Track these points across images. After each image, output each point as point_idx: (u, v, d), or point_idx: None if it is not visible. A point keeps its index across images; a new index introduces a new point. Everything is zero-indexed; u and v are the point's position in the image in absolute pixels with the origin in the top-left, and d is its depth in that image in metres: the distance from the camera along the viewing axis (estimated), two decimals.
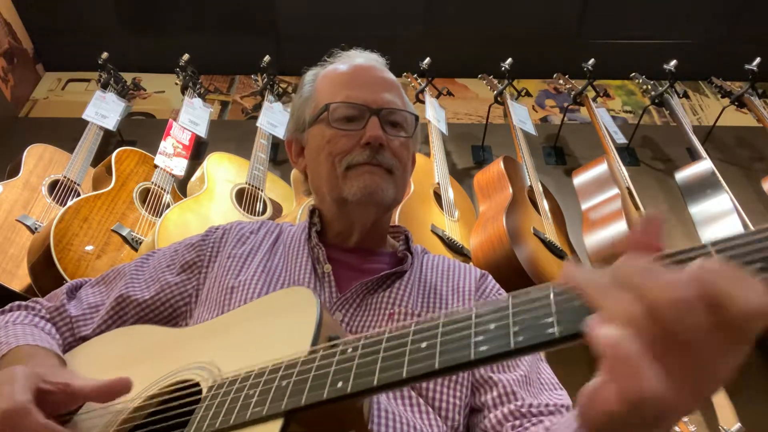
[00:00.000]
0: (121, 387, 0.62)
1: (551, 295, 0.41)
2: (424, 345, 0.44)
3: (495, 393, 0.76)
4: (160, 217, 1.73)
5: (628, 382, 0.35)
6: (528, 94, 2.52)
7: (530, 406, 0.74)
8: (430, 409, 0.74)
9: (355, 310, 0.82)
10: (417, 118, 0.94)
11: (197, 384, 0.60)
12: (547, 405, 0.75)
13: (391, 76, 0.95)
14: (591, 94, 2.41)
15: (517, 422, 0.73)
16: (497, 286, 0.93)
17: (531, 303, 0.42)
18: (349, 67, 0.94)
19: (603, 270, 0.39)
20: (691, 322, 0.35)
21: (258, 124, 2.21)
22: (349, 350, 0.48)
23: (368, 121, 0.87)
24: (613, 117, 2.54)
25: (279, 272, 0.87)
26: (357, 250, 0.92)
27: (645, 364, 0.35)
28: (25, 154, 1.97)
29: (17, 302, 0.89)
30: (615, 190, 1.77)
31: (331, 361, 0.48)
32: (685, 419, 1.38)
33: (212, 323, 0.74)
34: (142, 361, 0.72)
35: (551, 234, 1.76)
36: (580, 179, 1.92)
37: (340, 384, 0.46)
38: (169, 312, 0.88)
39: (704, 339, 0.35)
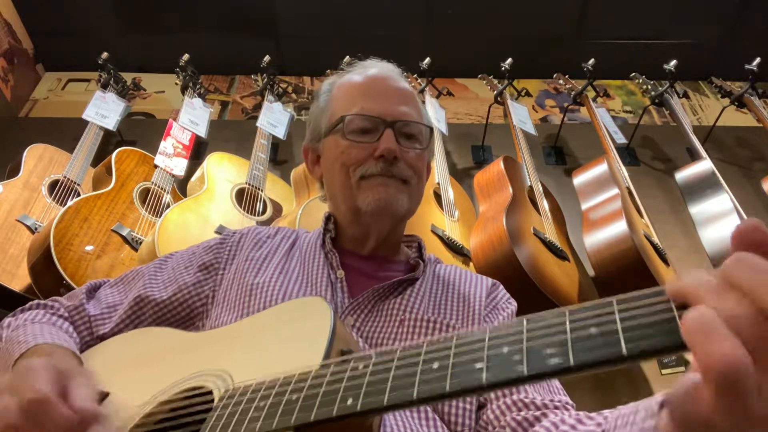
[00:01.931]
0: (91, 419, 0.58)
1: (567, 322, 0.40)
2: (435, 366, 0.43)
3: None
4: (160, 217, 1.73)
5: (713, 356, 0.31)
6: (528, 94, 2.52)
7: (534, 399, 0.73)
8: (436, 417, 0.73)
9: (367, 315, 0.83)
10: (431, 130, 0.94)
11: (210, 392, 0.60)
12: (551, 400, 0.73)
13: (406, 86, 0.95)
14: (591, 94, 2.41)
15: (521, 413, 0.72)
16: (507, 295, 0.94)
17: (546, 329, 0.41)
18: (365, 77, 0.94)
19: (712, 271, 0.35)
20: None
21: (258, 124, 2.21)
22: (361, 367, 0.48)
23: (383, 133, 0.87)
24: (613, 117, 2.54)
25: (296, 276, 0.88)
26: (371, 257, 0.93)
27: (732, 339, 0.31)
28: (25, 154, 1.97)
29: (36, 301, 0.90)
30: (615, 190, 1.77)
31: (341, 377, 0.48)
32: None
33: (227, 329, 0.74)
34: (156, 364, 0.73)
35: (551, 234, 1.76)
36: (580, 179, 1.92)
37: (350, 401, 0.45)
38: (186, 313, 0.89)
39: None
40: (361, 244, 0.93)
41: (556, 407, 0.73)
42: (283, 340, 0.62)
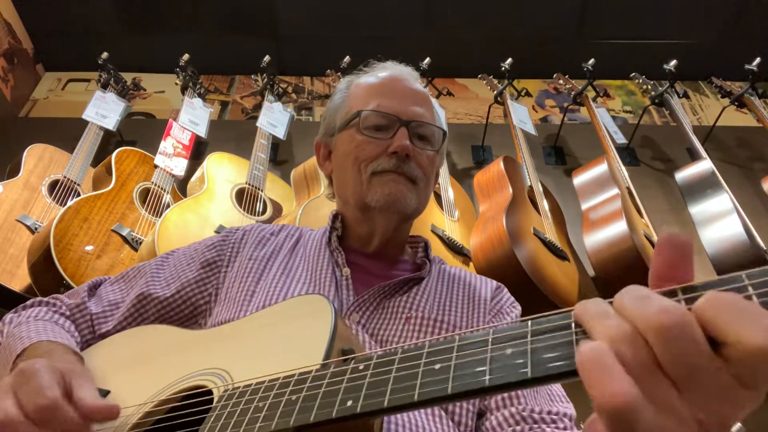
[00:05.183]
0: (109, 415, 0.61)
1: (573, 325, 0.39)
2: (437, 367, 0.42)
3: (499, 396, 0.76)
4: (160, 217, 1.73)
5: (604, 395, 0.32)
6: (528, 94, 2.52)
7: (532, 411, 0.74)
8: (443, 414, 0.74)
9: (372, 312, 0.83)
10: (445, 133, 0.95)
11: (209, 391, 0.60)
12: (549, 412, 0.74)
13: (422, 89, 0.97)
14: (591, 94, 2.41)
15: (518, 428, 0.72)
16: (512, 298, 0.94)
17: (551, 332, 0.40)
18: (383, 77, 0.96)
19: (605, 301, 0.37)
20: (681, 352, 0.32)
21: (258, 124, 2.21)
22: (361, 367, 0.47)
23: (397, 131, 0.88)
24: (613, 117, 2.54)
25: (299, 274, 0.88)
26: (376, 256, 0.93)
27: (621, 377, 0.32)
28: (25, 154, 1.97)
29: (39, 298, 0.91)
30: (615, 190, 1.77)
31: (342, 378, 0.48)
32: None
33: (227, 327, 0.73)
34: (156, 363, 0.72)
35: (551, 234, 1.76)
36: (580, 179, 1.92)
37: (349, 403, 0.45)
38: (190, 310, 0.89)
39: (700, 375, 0.32)
40: (367, 242, 0.93)
41: (553, 420, 0.74)
42: (282, 338, 0.61)
